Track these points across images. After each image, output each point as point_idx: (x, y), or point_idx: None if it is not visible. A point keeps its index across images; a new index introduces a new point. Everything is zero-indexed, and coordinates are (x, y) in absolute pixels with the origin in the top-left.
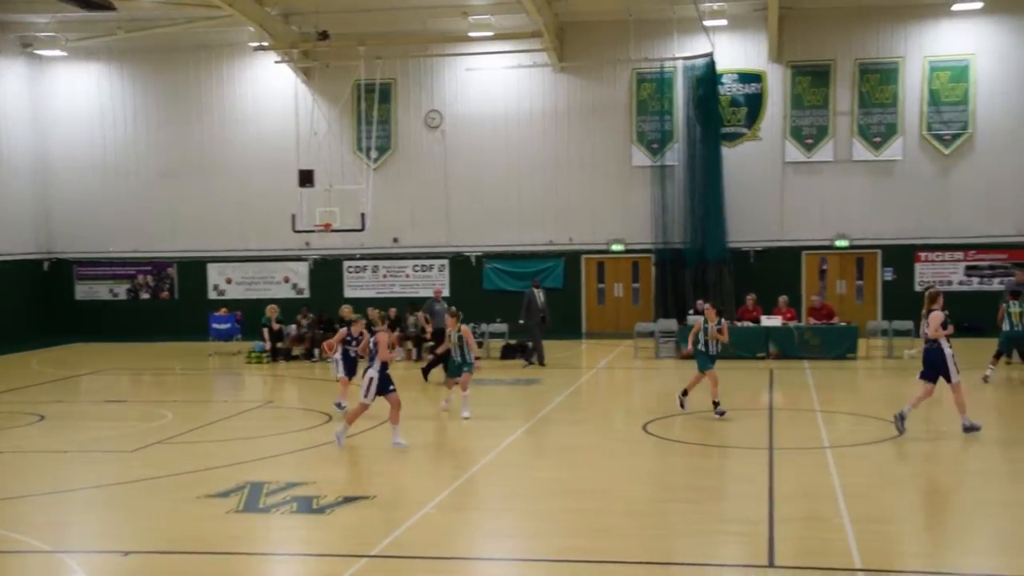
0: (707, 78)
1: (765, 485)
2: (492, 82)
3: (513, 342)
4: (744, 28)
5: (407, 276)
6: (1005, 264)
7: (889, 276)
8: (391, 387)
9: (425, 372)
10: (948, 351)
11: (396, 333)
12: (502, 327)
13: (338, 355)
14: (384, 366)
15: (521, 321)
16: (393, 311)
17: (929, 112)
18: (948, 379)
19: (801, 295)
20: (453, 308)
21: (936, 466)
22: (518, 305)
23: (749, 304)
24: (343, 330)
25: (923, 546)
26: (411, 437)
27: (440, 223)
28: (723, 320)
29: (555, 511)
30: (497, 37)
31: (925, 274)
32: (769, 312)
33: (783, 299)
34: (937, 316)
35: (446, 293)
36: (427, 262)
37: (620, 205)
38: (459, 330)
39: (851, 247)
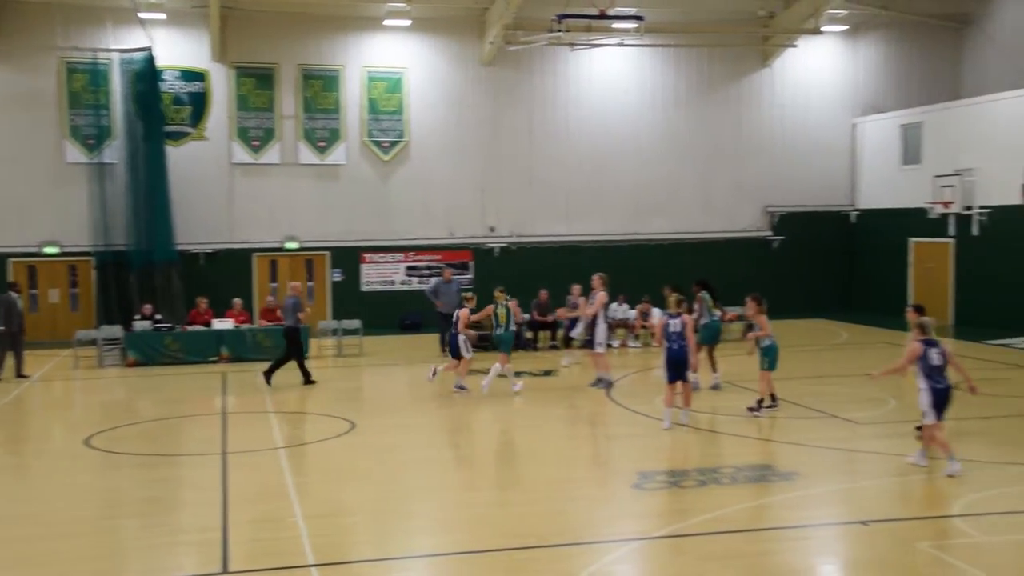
0: (147, 73)
1: (219, 491)
2: None
3: None
4: (184, 24)
5: None
6: (440, 264)
7: (338, 277)
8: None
9: (268, 374)
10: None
11: None
12: None
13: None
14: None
15: (2, 328)
16: None
17: (369, 120)
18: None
19: (254, 297)
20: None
21: (382, 457)
22: None
23: (201, 307)
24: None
25: (373, 535)
26: None
27: None
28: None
29: None
30: None
31: (371, 275)
32: (222, 315)
33: (237, 301)
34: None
35: None
36: None
37: (53, 204)
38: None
39: (301, 249)
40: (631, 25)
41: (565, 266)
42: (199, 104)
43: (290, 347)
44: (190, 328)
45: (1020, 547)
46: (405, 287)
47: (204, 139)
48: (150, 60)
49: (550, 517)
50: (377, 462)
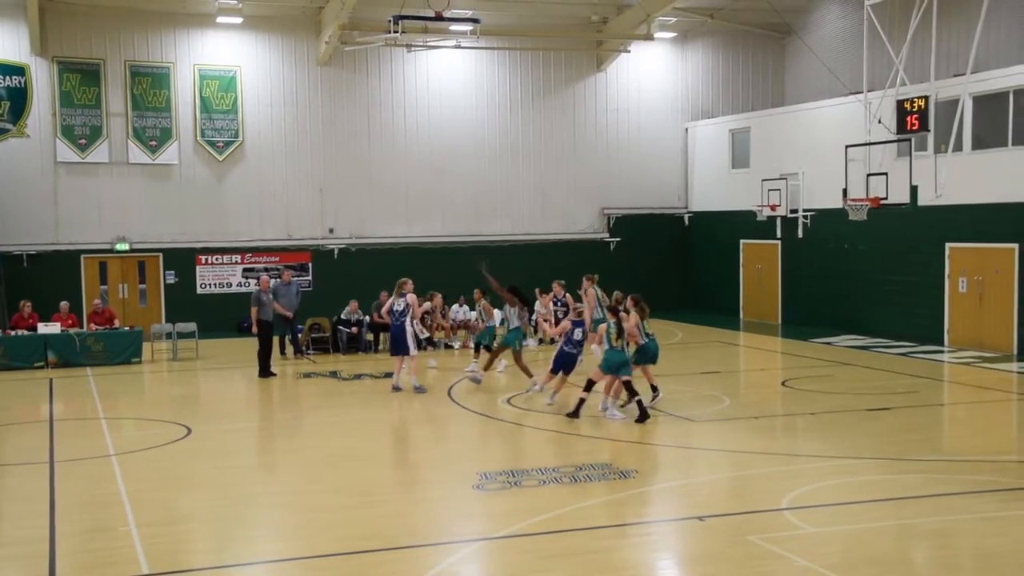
0: None
1: (46, 502)
2: None
3: None
4: (1, 16)
5: None
6: (278, 266)
7: (171, 279)
8: None
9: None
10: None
11: None
12: None
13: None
14: None
15: None
16: None
17: (202, 119)
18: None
19: (82, 300)
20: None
21: (219, 463)
22: None
23: (24, 311)
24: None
25: (210, 542)
26: None
27: None
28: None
29: None
30: None
31: (206, 277)
32: (47, 318)
33: (64, 304)
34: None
35: None
36: None
37: None
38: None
39: (132, 251)
40: (467, 27)
41: (405, 268)
42: (19, 100)
43: (263, 340)
44: (13, 332)
45: (845, 536)
46: (242, 289)
47: (25, 136)
48: None
49: (394, 519)
50: (214, 468)
